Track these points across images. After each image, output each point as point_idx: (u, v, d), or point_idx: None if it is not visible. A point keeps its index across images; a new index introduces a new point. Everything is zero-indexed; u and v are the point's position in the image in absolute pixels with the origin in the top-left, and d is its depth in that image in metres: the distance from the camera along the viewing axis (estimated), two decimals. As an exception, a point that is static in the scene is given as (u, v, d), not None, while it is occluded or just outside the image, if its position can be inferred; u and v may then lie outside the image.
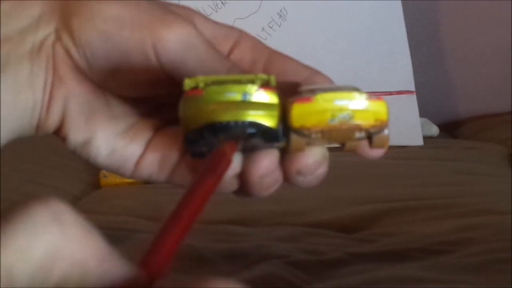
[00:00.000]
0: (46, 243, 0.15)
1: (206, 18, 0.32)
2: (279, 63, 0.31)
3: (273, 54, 0.31)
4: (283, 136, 0.27)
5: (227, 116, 0.26)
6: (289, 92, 0.27)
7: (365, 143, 0.27)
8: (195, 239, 0.50)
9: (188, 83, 0.26)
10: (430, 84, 1.19)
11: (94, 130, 0.30)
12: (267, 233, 0.56)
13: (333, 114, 0.26)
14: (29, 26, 0.29)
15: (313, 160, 0.28)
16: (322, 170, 0.29)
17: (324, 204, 0.64)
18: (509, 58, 1.18)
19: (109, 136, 0.31)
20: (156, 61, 0.28)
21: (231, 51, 0.32)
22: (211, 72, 0.28)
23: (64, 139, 0.31)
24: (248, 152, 0.28)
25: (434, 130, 1.05)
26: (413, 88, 0.98)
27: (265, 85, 0.26)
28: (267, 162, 0.28)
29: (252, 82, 0.26)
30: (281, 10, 1.00)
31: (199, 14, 0.32)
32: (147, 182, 0.43)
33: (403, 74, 0.99)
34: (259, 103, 0.26)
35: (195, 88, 0.26)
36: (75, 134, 0.30)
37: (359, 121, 0.26)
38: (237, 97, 0.26)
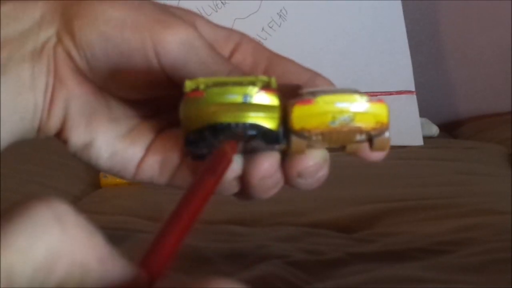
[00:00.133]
0: (47, 244, 0.15)
1: (207, 21, 0.32)
2: (280, 65, 0.31)
3: (274, 57, 0.31)
4: (283, 138, 0.27)
5: (227, 118, 0.26)
6: (290, 94, 0.27)
7: (366, 145, 0.27)
8: (195, 239, 0.50)
9: (188, 85, 0.26)
10: (430, 84, 1.19)
11: (95, 132, 0.30)
12: (267, 233, 0.56)
13: (334, 116, 0.26)
14: (31, 28, 0.29)
15: (313, 162, 0.28)
16: (323, 172, 0.29)
17: (324, 204, 0.64)
18: (509, 58, 1.18)
19: (110, 138, 0.31)
20: (157, 63, 0.28)
21: (232, 53, 0.32)
22: (212, 74, 0.28)
23: (65, 141, 0.31)
24: (249, 154, 0.28)
25: (434, 130, 1.05)
26: (413, 88, 0.98)
27: (266, 87, 0.26)
28: (267, 164, 0.28)
29: (253, 84, 0.26)
30: (281, 10, 1.00)
31: (200, 16, 0.32)
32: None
33: (403, 74, 0.99)
34: (259, 105, 0.26)
35: (196, 89, 0.26)
36: (76, 136, 0.30)
37: (359, 123, 0.26)
38: (238, 99, 0.26)
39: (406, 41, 1.00)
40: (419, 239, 0.53)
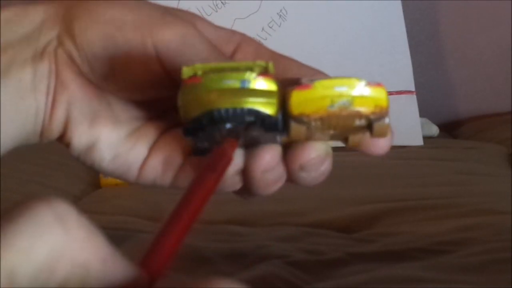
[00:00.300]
0: (49, 244, 0.15)
1: (207, 22, 0.32)
2: (281, 65, 0.31)
3: (275, 56, 0.31)
4: (282, 126, 0.26)
5: (225, 103, 0.25)
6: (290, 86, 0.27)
7: (367, 138, 0.27)
8: (195, 239, 0.50)
9: (186, 71, 0.26)
10: (430, 84, 1.19)
11: (98, 134, 0.30)
12: (267, 233, 0.56)
13: (333, 100, 0.25)
14: (32, 32, 0.29)
15: (316, 155, 0.28)
16: (326, 166, 0.28)
17: (324, 204, 0.64)
18: (509, 58, 1.18)
19: (112, 140, 0.31)
20: (158, 62, 0.28)
21: (233, 54, 0.32)
22: None
23: (67, 145, 0.31)
24: (250, 148, 0.28)
25: (434, 130, 1.05)
26: (413, 88, 0.98)
27: (264, 72, 0.26)
28: (269, 157, 0.28)
29: (251, 69, 0.26)
30: (281, 10, 1.00)
31: (200, 18, 0.32)
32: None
33: (403, 74, 0.99)
34: (257, 90, 0.26)
35: (193, 76, 0.26)
36: (79, 139, 0.30)
37: (358, 107, 0.26)
38: (236, 84, 0.26)
39: (406, 41, 1.00)
40: (419, 239, 0.53)
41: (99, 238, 0.16)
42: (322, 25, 1.00)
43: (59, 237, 0.15)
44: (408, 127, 0.94)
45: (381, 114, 0.26)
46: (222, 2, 1.00)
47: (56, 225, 0.16)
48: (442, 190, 0.70)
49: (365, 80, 0.26)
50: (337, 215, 0.61)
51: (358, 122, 0.26)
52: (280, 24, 1.00)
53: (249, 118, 0.26)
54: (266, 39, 0.99)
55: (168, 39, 0.28)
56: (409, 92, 0.98)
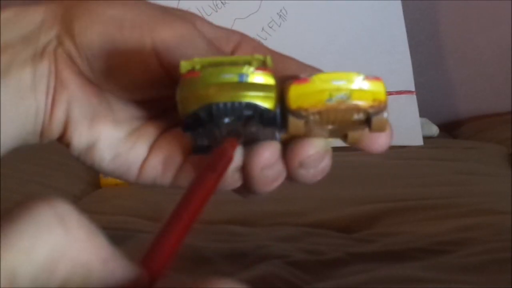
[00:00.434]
0: (50, 244, 0.15)
1: (207, 21, 0.32)
2: (281, 63, 0.31)
3: (275, 56, 0.31)
4: (281, 121, 0.26)
5: (223, 97, 0.25)
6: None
7: (367, 135, 0.27)
8: (195, 239, 0.50)
9: (184, 65, 0.26)
10: (430, 84, 1.19)
11: (98, 134, 0.30)
12: (267, 233, 0.56)
13: (331, 94, 0.25)
14: (32, 32, 0.29)
15: (315, 151, 0.28)
16: (325, 163, 0.28)
17: (324, 204, 0.64)
18: (509, 58, 1.18)
19: (113, 140, 0.31)
20: (157, 61, 0.28)
21: (232, 54, 0.32)
22: None
23: (67, 145, 0.31)
24: (249, 145, 0.28)
25: (434, 130, 1.05)
26: (413, 88, 0.98)
27: (262, 66, 0.26)
28: (268, 153, 0.28)
29: (249, 63, 0.26)
30: (281, 10, 1.00)
31: (200, 17, 0.32)
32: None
33: (403, 74, 0.99)
34: (255, 84, 0.26)
35: (192, 70, 0.26)
36: (79, 139, 0.30)
37: (356, 100, 0.26)
38: (234, 78, 0.25)
39: (406, 41, 1.00)
40: (419, 239, 0.53)
41: (99, 238, 0.16)
42: (322, 25, 1.00)
43: (60, 237, 0.15)
44: (408, 127, 0.94)
45: (380, 108, 0.26)
46: (222, 2, 1.00)
47: (57, 225, 0.16)
48: (442, 190, 0.70)
49: (363, 74, 0.26)
50: (337, 215, 0.61)
51: (357, 116, 0.26)
52: (280, 24, 1.00)
53: (247, 112, 0.26)
54: (266, 39, 0.99)
55: (167, 38, 0.28)
56: (409, 92, 0.98)
